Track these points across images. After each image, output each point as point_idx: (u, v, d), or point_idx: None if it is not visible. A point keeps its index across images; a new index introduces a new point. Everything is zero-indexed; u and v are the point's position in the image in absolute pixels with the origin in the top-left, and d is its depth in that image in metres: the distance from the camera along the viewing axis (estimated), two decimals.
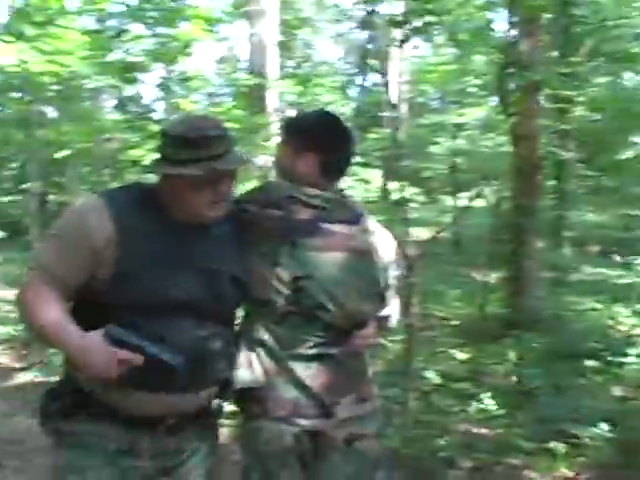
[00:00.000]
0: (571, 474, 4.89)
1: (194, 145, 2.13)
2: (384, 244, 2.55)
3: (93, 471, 2.18)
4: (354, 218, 2.51)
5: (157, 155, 2.29)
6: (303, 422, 2.39)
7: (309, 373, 2.40)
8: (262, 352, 2.42)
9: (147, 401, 2.18)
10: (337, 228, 2.44)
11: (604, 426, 5.14)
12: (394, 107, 6.03)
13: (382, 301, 2.56)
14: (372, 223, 2.57)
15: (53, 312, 2.14)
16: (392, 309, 2.71)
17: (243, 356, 2.43)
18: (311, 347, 2.41)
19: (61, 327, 2.13)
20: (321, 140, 2.56)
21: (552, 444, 5.05)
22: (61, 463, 2.24)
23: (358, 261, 2.43)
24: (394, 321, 2.79)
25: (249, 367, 2.42)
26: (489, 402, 5.77)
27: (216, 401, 2.42)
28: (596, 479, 4.83)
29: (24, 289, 2.24)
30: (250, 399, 2.42)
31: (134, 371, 2.09)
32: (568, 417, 5.52)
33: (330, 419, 2.41)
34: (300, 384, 2.39)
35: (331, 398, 2.41)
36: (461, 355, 7.36)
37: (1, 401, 6.61)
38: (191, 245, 2.27)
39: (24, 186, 19.10)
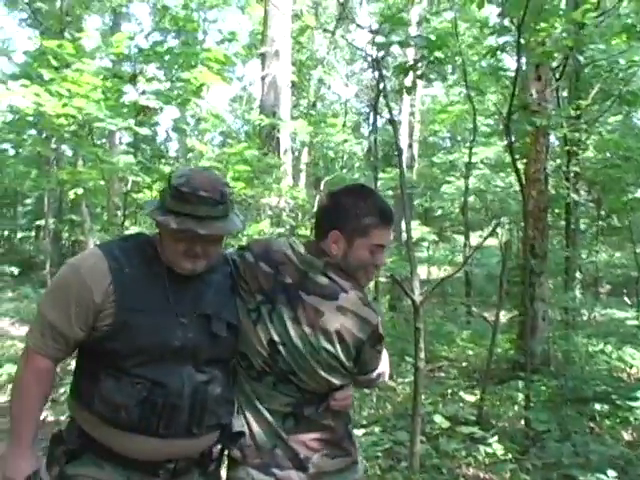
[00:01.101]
0: None
1: (182, 200, 2.19)
2: (355, 323, 2.44)
3: None
4: (333, 293, 2.44)
5: (159, 198, 2.37)
6: (277, 472, 2.42)
7: (286, 427, 2.45)
8: (243, 401, 2.48)
9: (149, 445, 2.23)
10: (312, 301, 2.42)
11: (611, 472, 5.11)
12: (400, 150, 6.05)
13: (353, 375, 2.54)
14: (352, 300, 2.45)
15: (31, 409, 2.33)
16: (383, 367, 2.71)
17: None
18: (286, 405, 2.45)
19: (24, 428, 2.32)
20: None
21: None
22: None
23: (321, 339, 2.39)
24: (386, 378, 2.80)
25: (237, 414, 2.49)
26: (497, 446, 5.76)
27: (217, 447, 2.47)
28: None
29: (23, 367, 2.35)
30: (234, 444, 2.47)
31: (137, 417, 2.17)
32: (575, 463, 5.51)
33: (303, 472, 2.44)
34: (277, 435, 2.44)
35: (305, 452, 2.45)
36: (469, 397, 7.33)
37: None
38: (187, 292, 2.34)
39: (38, 223, 19.34)
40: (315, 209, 2.65)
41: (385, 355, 2.70)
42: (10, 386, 8.05)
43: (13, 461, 2.30)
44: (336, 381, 2.46)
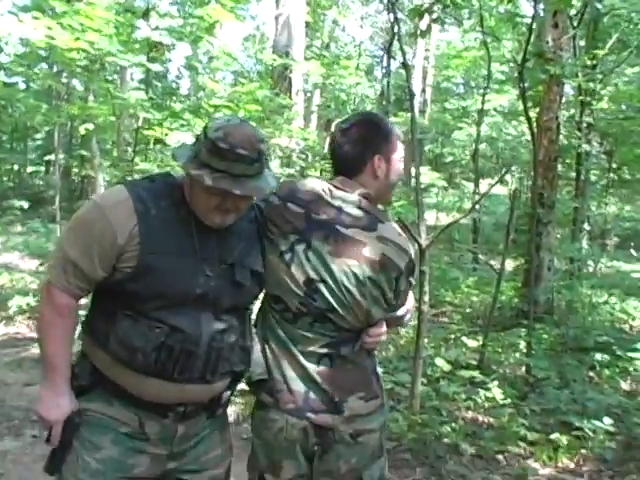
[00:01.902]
0: (572, 465, 4.97)
1: (219, 155, 2.10)
2: (396, 253, 2.49)
3: (104, 449, 2.23)
4: (371, 224, 2.46)
5: (192, 145, 2.26)
6: (312, 416, 2.43)
7: (320, 370, 2.44)
8: (275, 346, 2.47)
9: (162, 389, 2.23)
10: (352, 233, 2.42)
11: (607, 420, 5.20)
12: (412, 95, 6.01)
13: (391, 308, 2.56)
14: (390, 230, 2.50)
15: (60, 344, 2.26)
16: (407, 307, 2.73)
17: (258, 348, 2.48)
18: (322, 346, 2.45)
19: (58, 364, 2.26)
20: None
21: (555, 435, 5.12)
22: (74, 438, 2.27)
23: (366, 270, 2.42)
24: (409, 317, 2.83)
25: (263, 359, 2.47)
26: (496, 391, 5.85)
27: (227, 393, 2.46)
28: (596, 472, 4.90)
29: (43, 303, 2.29)
30: (263, 389, 2.47)
31: (153, 361, 2.17)
32: (572, 409, 5.60)
33: (338, 415, 2.45)
34: (311, 379, 2.43)
35: (340, 395, 2.45)
36: (471, 343, 7.41)
37: (20, 371, 6.75)
38: (212, 239, 2.28)
39: (48, 157, 19.35)
40: (335, 149, 2.55)
41: (410, 292, 2.72)
42: (20, 317, 8.18)
43: (50, 400, 2.25)
44: (376, 314, 2.48)
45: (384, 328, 2.58)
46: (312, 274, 2.40)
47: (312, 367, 2.43)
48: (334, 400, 2.44)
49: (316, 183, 2.54)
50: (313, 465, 2.50)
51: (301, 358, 2.44)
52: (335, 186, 2.50)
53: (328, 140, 2.60)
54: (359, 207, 2.47)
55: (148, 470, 2.30)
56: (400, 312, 2.66)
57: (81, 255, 2.18)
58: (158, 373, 2.20)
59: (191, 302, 2.21)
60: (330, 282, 2.39)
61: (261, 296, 2.55)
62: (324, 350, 2.44)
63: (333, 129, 2.65)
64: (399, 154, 2.57)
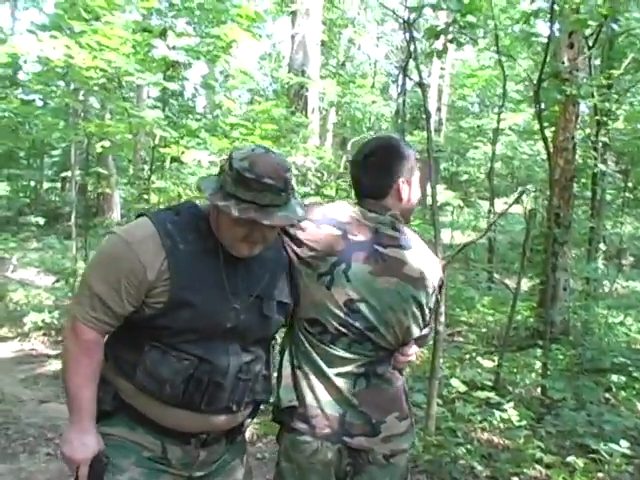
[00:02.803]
0: None
1: (246, 186, 2.08)
2: (431, 270, 2.56)
3: (127, 472, 2.22)
4: (407, 243, 2.52)
5: (217, 176, 2.25)
6: (348, 440, 2.43)
7: (356, 391, 2.45)
8: (309, 370, 2.46)
9: (188, 419, 2.24)
10: (391, 253, 2.47)
11: (624, 443, 5.15)
12: (428, 113, 6.03)
13: (425, 324, 2.61)
14: (423, 248, 2.59)
15: (86, 383, 2.21)
16: (430, 325, 2.75)
17: (287, 374, 2.49)
18: (359, 366, 2.46)
19: (84, 402, 2.21)
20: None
21: (571, 458, 5.08)
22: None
23: (408, 287, 2.46)
24: (430, 338, 2.85)
25: (293, 385, 2.47)
26: (512, 412, 5.81)
27: (248, 420, 2.48)
28: None
29: (69, 339, 2.24)
30: (295, 416, 2.46)
31: (181, 392, 2.18)
32: (589, 432, 5.55)
33: (375, 437, 2.46)
34: (347, 402, 2.44)
35: (378, 417, 2.46)
36: (487, 363, 7.37)
37: (35, 388, 6.76)
38: (239, 271, 2.28)
39: (64, 174, 19.47)
40: (360, 175, 2.58)
41: None
42: (35, 334, 8.19)
43: (77, 439, 2.20)
44: (414, 332, 2.51)
45: (415, 348, 2.61)
46: (353, 294, 2.42)
47: (348, 389, 2.44)
48: (372, 422, 2.45)
49: (346, 206, 2.57)
50: None
51: (337, 380, 2.44)
52: (366, 209, 2.53)
53: (349, 165, 2.67)
54: (393, 228, 2.50)
55: None
56: (425, 331, 2.67)
57: (108, 291, 2.16)
58: (185, 404, 2.21)
59: (220, 334, 2.22)
60: (372, 301, 2.42)
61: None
62: (361, 370, 2.46)
63: (350, 149, 2.69)
64: (418, 175, 2.62)
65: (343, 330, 2.43)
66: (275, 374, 2.52)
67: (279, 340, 2.61)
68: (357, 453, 2.45)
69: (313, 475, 2.45)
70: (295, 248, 2.47)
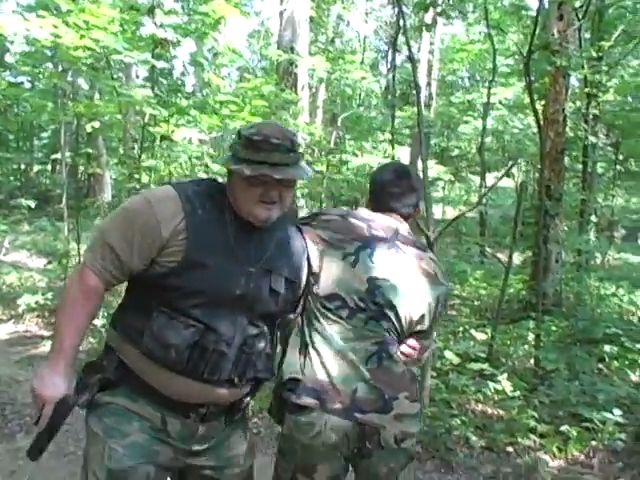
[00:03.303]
0: (582, 457, 4.97)
1: (255, 147, 2.19)
2: (443, 275, 2.69)
3: (131, 436, 2.25)
4: (423, 247, 2.73)
5: (229, 149, 2.35)
6: (359, 416, 2.44)
7: (370, 367, 2.47)
8: (321, 347, 2.48)
9: (190, 388, 2.26)
10: (410, 250, 2.61)
11: (617, 411, 5.20)
12: (418, 88, 6.02)
13: (433, 321, 2.67)
14: (434, 257, 2.74)
15: (75, 327, 2.26)
16: (431, 339, 2.83)
17: (295, 351, 2.52)
18: (374, 343, 2.49)
19: (67, 346, 2.26)
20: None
21: (565, 427, 5.13)
22: (99, 428, 2.28)
23: (426, 282, 2.58)
24: (428, 353, 2.89)
25: (302, 361, 2.50)
26: (505, 383, 5.85)
27: (247, 398, 2.49)
28: (606, 463, 4.91)
29: (72, 281, 2.32)
30: (303, 392, 2.47)
31: (185, 359, 2.19)
32: (582, 401, 5.60)
33: (387, 414, 2.47)
34: (361, 377, 2.46)
35: (390, 392, 2.48)
36: (480, 335, 7.41)
37: (30, 369, 6.77)
38: (255, 244, 2.34)
39: (54, 156, 19.38)
40: (392, 195, 2.78)
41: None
42: (29, 315, 8.19)
43: (49, 377, 2.23)
44: (425, 323, 2.59)
45: (419, 345, 2.63)
46: (377, 273, 2.51)
47: (362, 364, 2.46)
48: (384, 397, 2.46)
49: (366, 211, 2.73)
50: (354, 464, 2.56)
51: (351, 355, 2.47)
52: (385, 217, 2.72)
53: (375, 180, 2.82)
54: (409, 234, 2.69)
55: (172, 461, 2.34)
56: (426, 342, 2.71)
57: (120, 242, 2.23)
58: (189, 372, 2.23)
59: (228, 303, 2.26)
60: (393, 281, 2.51)
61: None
62: (374, 348, 2.49)
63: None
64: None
65: (362, 305, 2.49)
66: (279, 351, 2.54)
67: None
68: (368, 436, 2.46)
69: (315, 455, 2.47)
70: (319, 232, 2.59)
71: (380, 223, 2.64)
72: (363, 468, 2.54)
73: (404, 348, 2.56)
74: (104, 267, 2.25)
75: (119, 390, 2.30)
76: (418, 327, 2.58)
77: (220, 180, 2.49)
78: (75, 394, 2.29)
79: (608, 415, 5.16)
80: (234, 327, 2.27)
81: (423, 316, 2.55)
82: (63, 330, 2.26)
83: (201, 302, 2.22)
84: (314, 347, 2.49)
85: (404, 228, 2.68)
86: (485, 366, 6.13)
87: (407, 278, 2.53)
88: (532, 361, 6.69)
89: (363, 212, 2.71)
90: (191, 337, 2.20)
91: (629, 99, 13.49)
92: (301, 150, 2.35)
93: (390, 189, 2.72)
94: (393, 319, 2.50)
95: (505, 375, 6.00)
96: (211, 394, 2.30)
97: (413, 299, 2.52)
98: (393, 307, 2.49)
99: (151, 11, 7.94)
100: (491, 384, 5.86)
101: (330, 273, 2.52)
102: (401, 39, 7.62)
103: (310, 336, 2.51)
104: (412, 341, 2.59)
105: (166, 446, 2.31)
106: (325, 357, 2.47)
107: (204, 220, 2.25)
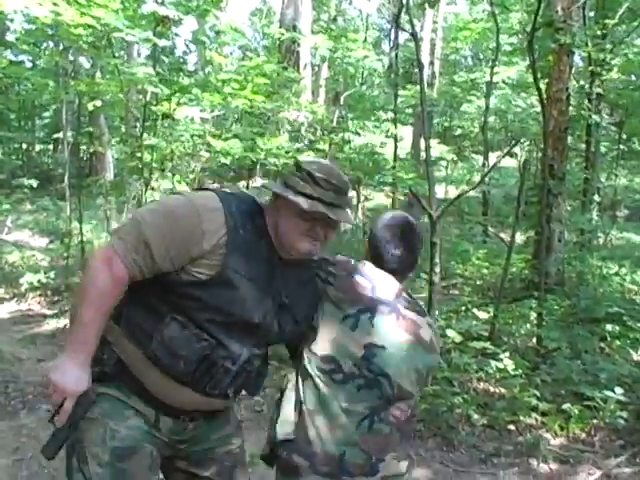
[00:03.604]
0: (583, 435, 4.99)
1: (315, 183, 2.24)
2: (438, 341, 2.66)
3: (130, 419, 2.24)
4: (422, 312, 2.63)
5: (279, 180, 2.38)
6: (348, 479, 2.44)
7: (361, 431, 2.46)
8: (314, 407, 2.48)
9: (187, 397, 2.27)
10: (411, 315, 2.55)
11: (618, 390, 5.21)
12: (421, 66, 5.99)
13: (420, 390, 2.67)
14: (430, 322, 2.68)
15: (101, 317, 2.16)
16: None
17: (289, 409, 2.51)
18: (367, 407, 2.47)
19: (91, 337, 2.16)
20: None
21: (566, 405, 5.14)
22: (97, 413, 2.22)
23: (420, 350, 2.54)
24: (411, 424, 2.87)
25: (295, 421, 2.49)
26: (507, 362, 5.86)
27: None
28: (608, 441, 4.92)
29: (100, 268, 2.17)
30: (293, 451, 2.47)
31: (192, 371, 2.18)
32: (584, 380, 5.61)
33: (374, 476, 2.47)
34: (350, 440, 2.45)
35: (377, 455, 2.48)
36: (482, 314, 7.41)
37: (32, 347, 6.80)
38: (281, 276, 2.35)
39: (56, 135, 19.34)
40: (392, 258, 2.68)
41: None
42: (31, 294, 8.22)
43: (72, 370, 2.14)
44: (415, 391, 2.57)
45: (406, 407, 2.60)
46: (375, 339, 2.47)
47: (352, 428, 2.45)
48: (371, 460, 2.46)
49: (372, 269, 2.62)
50: None
51: (343, 419, 2.45)
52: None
53: (375, 235, 2.68)
54: (410, 295, 2.63)
55: (162, 449, 2.36)
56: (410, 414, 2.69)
57: (159, 242, 2.15)
58: (192, 384, 2.23)
59: (244, 327, 2.26)
60: (391, 349, 2.48)
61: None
62: (367, 412, 2.47)
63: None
64: None
65: (356, 372, 2.46)
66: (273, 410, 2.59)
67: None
68: None
69: None
70: (326, 286, 2.55)
71: (384, 284, 2.58)
72: None
73: (394, 411, 2.54)
74: (135, 261, 2.15)
75: (113, 384, 2.26)
76: (407, 395, 2.55)
77: (259, 201, 2.42)
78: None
79: (609, 393, 5.17)
80: (242, 346, 2.28)
81: (413, 386, 2.54)
82: (88, 319, 2.15)
83: (218, 319, 2.20)
84: (307, 406, 2.48)
85: (403, 289, 2.63)
86: (487, 345, 6.13)
87: (404, 347, 2.50)
88: (534, 340, 6.70)
89: (369, 269, 2.61)
90: (202, 351, 2.19)
91: (633, 78, 13.40)
92: (351, 199, 2.40)
93: (392, 251, 2.64)
94: (386, 387, 2.48)
95: (507, 354, 6.01)
96: (206, 405, 2.34)
97: (407, 369, 2.50)
98: (387, 376, 2.47)
99: None
100: (493, 362, 5.87)
101: (329, 333, 2.50)
102: (404, 17, 7.55)
103: (304, 393, 2.50)
104: (403, 403, 2.56)
105: (158, 437, 2.32)
106: (317, 418, 2.46)
107: (244, 241, 2.24)
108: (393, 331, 2.49)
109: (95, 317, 2.15)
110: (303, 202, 2.20)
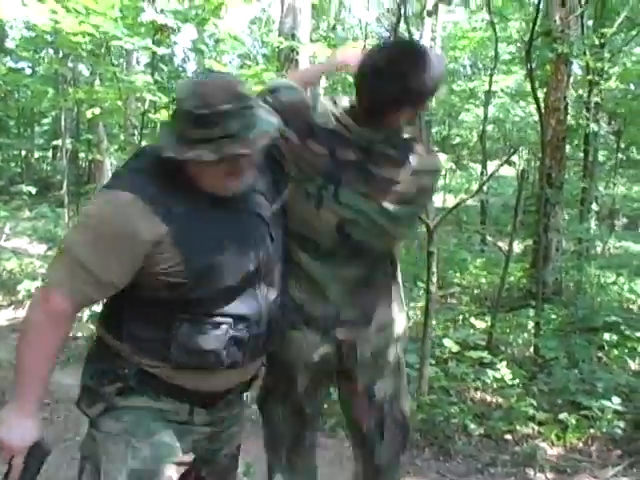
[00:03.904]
0: (580, 445, 4.97)
1: (205, 124, 1.84)
2: (431, 177, 2.43)
3: (157, 435, 2.07)
4: (404, 159, 2.30)
5: (169, 126, 1.98)
6: (341, 330, 2.43)
7: (354, 293, 2.43)
8: (304, 275, 2.39)
9: (226, 378, 2.14)
10: (385, 173, 2.28)
11: (616, 399, 5.20)
12: None
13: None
14: (420, 157, 2.34)
15: (43, 360, 1.97)
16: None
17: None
18: (358, 271, 2.42)
19: (33, 383, 1.98)
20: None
21: (564, 415, 5.12)
22: (119, 428, 2.06)
23: (403, 206, 2.32)
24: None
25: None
26: (505, 372, 5.85)
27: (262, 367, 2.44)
28: (605, 451, 4.91)
29: (34, 308, 2.00)
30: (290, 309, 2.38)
31: (225, 357, 2.05)
32: (581, 389, 5.60)
33: (368, 327, 2.45)
34: (342, 299, 2.42)
35: (370, 307, 2.46)
36: (480, 324, 7.41)
37: None
38: (235, 210, 2.06)
39: (55, 142, 19.37)
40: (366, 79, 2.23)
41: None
42: (29, 302, 8.18)
43: (17, 422, 1.94)
44: (402, 238, 2.66)
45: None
46: (345, 215, 2.30)
47: (343, 289, 2.42)
48: (365, 311, 2.46)
49: (335, 116, 2.32)
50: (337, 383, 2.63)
51: (331, 283, 2.42)
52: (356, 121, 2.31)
53: (363, 66, 2.28)
54: (389, 143, 2.31)
55: (189, 447, 2.19)
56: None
57: (92, 257, 1.91)
58: (230, 366, 2.08)
59: (247, 282, 2.07)
60: (363, 222, 2.31)
61: None
62: (360, 274, 2.44)
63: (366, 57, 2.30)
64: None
65: (338, 248, 2.37)
66: None
67: None
68: (347, 352, 2.47)
69: (295, 369, 2.48)
70: (280, 161, 2.31)
71: (347, 140, 2.27)
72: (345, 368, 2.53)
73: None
74: (75, 287, 1.92)
75: (137, 393, 2.08)
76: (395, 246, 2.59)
77: (167, 155, 1.97)
78: (84, 406, 2.11)
79: (607, 403, 5.15)
80: (258, 302, 2.10)
81: (403, 234, 2.63)
82: (28, 364, 1.96)
83: (221, 298, 2.02)
84: (296, 274, 2.37)
85: (380, 137, 2.29)
86: (484, 354, 6.12)
87: (380, 212, 2.30)
88: (532, 349, 6.69)
89: (326, 120, 2.28)
90: (224, 335, 2.02)
91: (631, 87, 13.43)
92: (253, 98, 2.00)
93: (372, 81, 2.23)
94: (373, 249, 2.42)
95: (504, 363, 6.00)
96: (244, 375, 2.23)
97: (387, 232, 2.38)
98: (366, 245, 2.38)
99: None
100: (490, 372, 5.86)
101: (298, 211, 2.33)
102: (402, 26, 7.57)
103: (294, 267, 2.38)
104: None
105: (189, 437, 2.17)
106: (306, 286, 2.40)
107: (182, 216, 1.93)
108: (363, 201, 2.30)
109: (37, 360, 1.96)
110: (207, 153, 1.85)
